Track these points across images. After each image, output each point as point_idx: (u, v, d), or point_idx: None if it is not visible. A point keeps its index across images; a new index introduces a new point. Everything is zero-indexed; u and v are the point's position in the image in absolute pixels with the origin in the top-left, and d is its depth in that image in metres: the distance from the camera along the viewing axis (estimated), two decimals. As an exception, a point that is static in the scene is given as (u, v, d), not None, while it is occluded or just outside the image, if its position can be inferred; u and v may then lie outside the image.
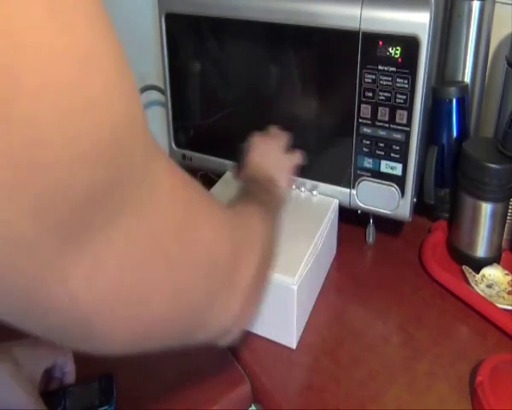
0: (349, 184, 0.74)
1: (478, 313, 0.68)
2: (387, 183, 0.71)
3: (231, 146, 0.78)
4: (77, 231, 0.25)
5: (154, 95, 1.04)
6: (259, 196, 0.58)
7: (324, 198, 0.76)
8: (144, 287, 0.30)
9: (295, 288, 0.61)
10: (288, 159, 0.70)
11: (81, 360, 0.58)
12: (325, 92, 0.72)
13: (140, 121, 0.27)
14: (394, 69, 0.64)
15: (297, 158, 0.72)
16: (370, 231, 0.82)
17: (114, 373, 0.59)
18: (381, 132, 0.68)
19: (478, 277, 0.73)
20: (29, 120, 0.21)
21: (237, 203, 0.54)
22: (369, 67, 0.66)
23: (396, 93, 0.65)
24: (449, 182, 0.80)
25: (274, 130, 0.74)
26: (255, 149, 0.69)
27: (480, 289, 0.71)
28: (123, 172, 0.26)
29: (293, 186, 0.77)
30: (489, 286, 0.72)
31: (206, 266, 0.35)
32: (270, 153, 0.69)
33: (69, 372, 0.58)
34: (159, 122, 1.04)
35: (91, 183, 0.24)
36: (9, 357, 0.52)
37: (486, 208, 0.71)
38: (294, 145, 0.74)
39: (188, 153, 0.88)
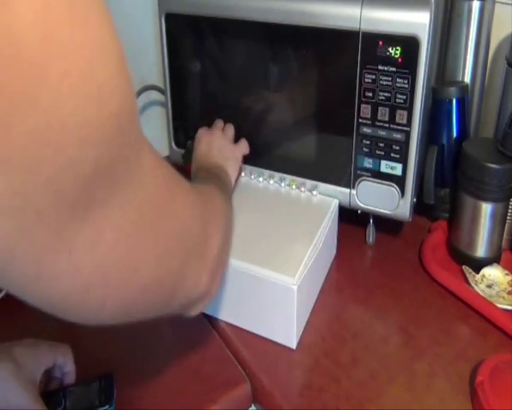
0: (349, 183, 0.74)
1: (478, 313, 0.68)
2: (387, 183, 0.71)
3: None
4: (82, 203, 0.28)
5: (154, 95, 1.04)
6: (212, 180, 0.62)
7: (324, 198, 0.76)
8: (134, 257, 0.33)
9: (295, 288, 0.61)
10: (233, 148, 0.74)
11: (81, 360, 0.58)
12: (325, 92, 0.72)
13: (135, 109, 0.31)
14: (394, 69, 0.64)
15: (243, 147, 0.75)
16: (370, 231, 0.82)
17: (114, 373, 0.59)
18: (381, 132, 0.68)
19: (478, 277, 0.73)
20: (51, 105, 0.23)
21: (196, 185, 0.58)
22: (369, 67, 0.66)
23: (396, 93, 0.65)
24: (449, 182, 0.80)
25: (219, 123, 0.77)
26: (201, 141, 0.73)
27: (480, 289, 0.71)
28: (122, 152, 0.29)
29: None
30: (489, 286, 0.72)
31: (182, 238, 0.39)
32: (215, 143, 0.72)
33: (69, 372, 0.58)
34: (159, 122, 1.04)
35: (97, 160, 0.27)
36: (10, 357, 0.52)
37: (486, 208, 0.71)
38: (294, 145, 0.74)
39: (188, 153, 0.88)
